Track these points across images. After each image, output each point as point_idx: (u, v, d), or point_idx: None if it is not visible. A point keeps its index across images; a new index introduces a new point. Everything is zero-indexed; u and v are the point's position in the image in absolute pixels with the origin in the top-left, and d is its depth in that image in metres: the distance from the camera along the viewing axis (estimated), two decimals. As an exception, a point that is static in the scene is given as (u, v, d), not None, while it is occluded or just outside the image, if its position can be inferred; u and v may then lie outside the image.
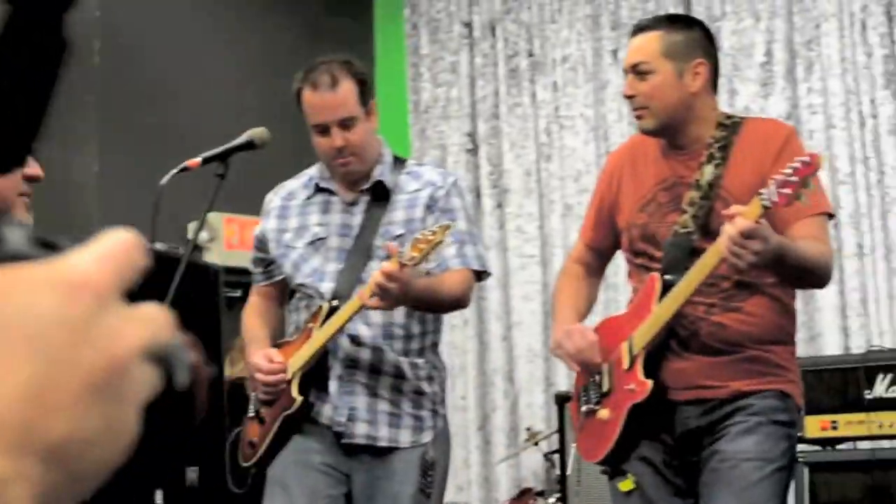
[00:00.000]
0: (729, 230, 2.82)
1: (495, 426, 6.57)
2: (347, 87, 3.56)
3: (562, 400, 5.09)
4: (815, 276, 3.09)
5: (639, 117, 3.21)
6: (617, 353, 3.24)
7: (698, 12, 6.32)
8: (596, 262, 3.53)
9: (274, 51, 6.54)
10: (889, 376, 4.73)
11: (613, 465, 3.26)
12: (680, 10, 6.35)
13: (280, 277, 3.69)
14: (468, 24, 7.05)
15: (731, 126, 3.22)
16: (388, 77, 7.19)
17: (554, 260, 6.50)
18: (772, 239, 2.84)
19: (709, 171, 3.15)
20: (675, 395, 3.15)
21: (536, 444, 5.69)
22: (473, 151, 6.93)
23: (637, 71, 3.19)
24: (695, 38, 3.25)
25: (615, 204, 3.34)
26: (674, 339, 3.16)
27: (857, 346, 5.52)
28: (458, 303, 3.62)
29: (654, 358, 3.16)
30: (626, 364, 3.19)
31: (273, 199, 3.80)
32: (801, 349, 5.51)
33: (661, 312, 3.12)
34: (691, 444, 3.16)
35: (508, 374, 6.57)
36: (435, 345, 3.70)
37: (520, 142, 6.80)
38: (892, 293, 5.59)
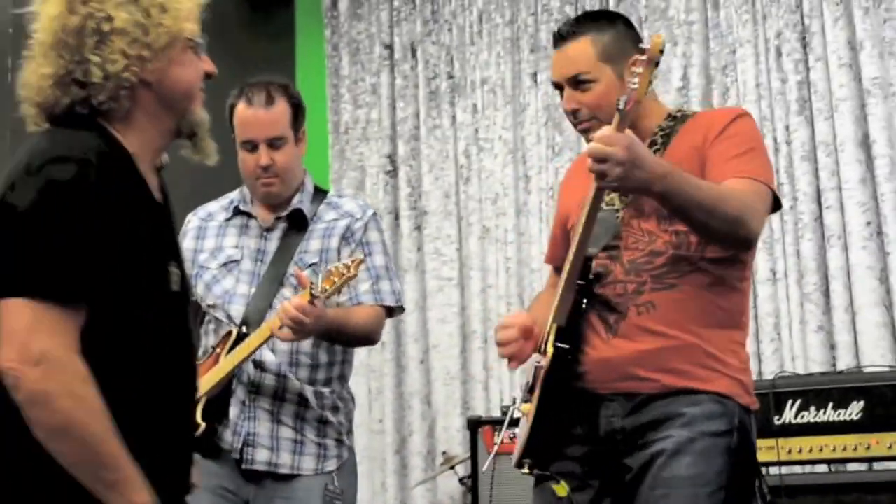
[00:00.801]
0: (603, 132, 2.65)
1: (412, 450, 6.52)
2: (282, 108, 3.56)
3: (474, 425, 5.06)
4: (716, 218, 2.75)
5: (587, 130, 2.99)
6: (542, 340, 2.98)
7: (617, 36, 6.33)
8: None
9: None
10: (798, 402, 4.74)
11: (537, 461, 2.95)
12: (599, 34, 6.35)
13: (192, 298, 3.65)
14: (389, 46, 7.02)
15: (681, 118, 3.06)
16: (308, 98, 6.92)
17: (471, 283, 6.48)
18: (653, 165, 2.67)
19: None
20: (599, 388, 2.89)
21: (453, 468, 5.64)
22: (393, 173, 6.89)
23: (577, 82, 3.00)
24: (621, 32, 3.08)
25: (566, 219, 3.16)
26: (599, 323, 2.90)
27: (770, 372, 5.52)
28: (368, 338, 3.61)
29: (570, 333, 2.90)
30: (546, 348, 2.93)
31: (192, 220, 3.78)
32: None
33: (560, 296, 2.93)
34: (617, 448, 2.89)
35: (426, 397, 6.53)
36: (343, 377, 3.67)
37: (439, 164, 6.77)
38: (804, 319, 5.60)
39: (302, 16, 7.40)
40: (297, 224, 3.64)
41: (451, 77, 6.84)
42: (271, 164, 3.55)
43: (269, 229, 3.65)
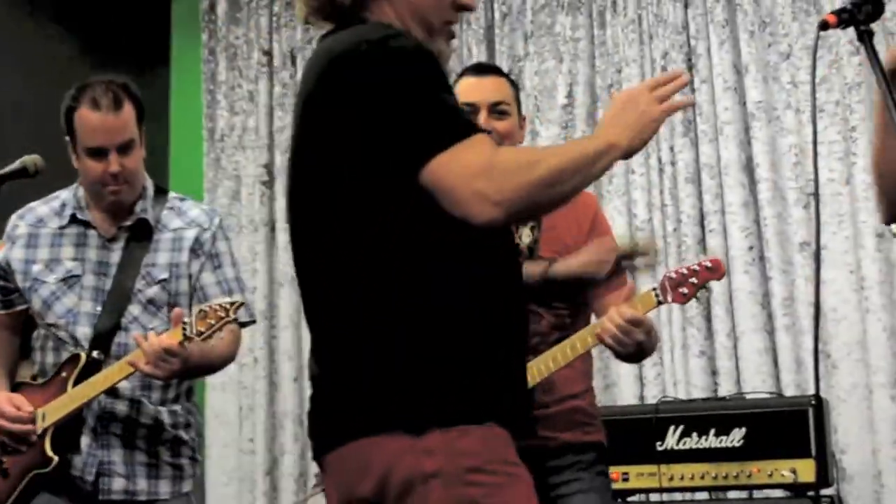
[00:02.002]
0: (615, 317, 2.98)
1: (284, 471, 6.30)
2: (129, 110, 3.36)
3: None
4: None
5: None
6: None
7: (501, 52, 6.25)
8: None
9: (69, 74, 6.17)
10: (680, 428, 4.70)
11: None
12: (482, 49, 6.26)
13: (21, 307, 3.42)
14: (268, 53, 6.80)
15: None
16: (183, 103, 6.89)
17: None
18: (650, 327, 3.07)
19: (526, 235, 3.25)
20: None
21: (324, 490, 5.46)
22: (269, 184, 6.66)
23: (497, 110, 3.30)
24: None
25: None
26: None
27: (653, 396, 5.47)
28: (228, 362, 3.49)
29: None
30: None
31: (19, 225, 3.50)
32: (598, 398, 5.51)
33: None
34: None
35: (299, 417, 6.31)
36: (191, 390, 3.54)
37: (317, 176, 6.57)
38: (686, 343, 5.55)
39: (178, 17, 7.13)
40: (141, 234, 3.45)
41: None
42: (121, 171, 3.34)
43: (112, 239, 3.44)
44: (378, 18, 2.25)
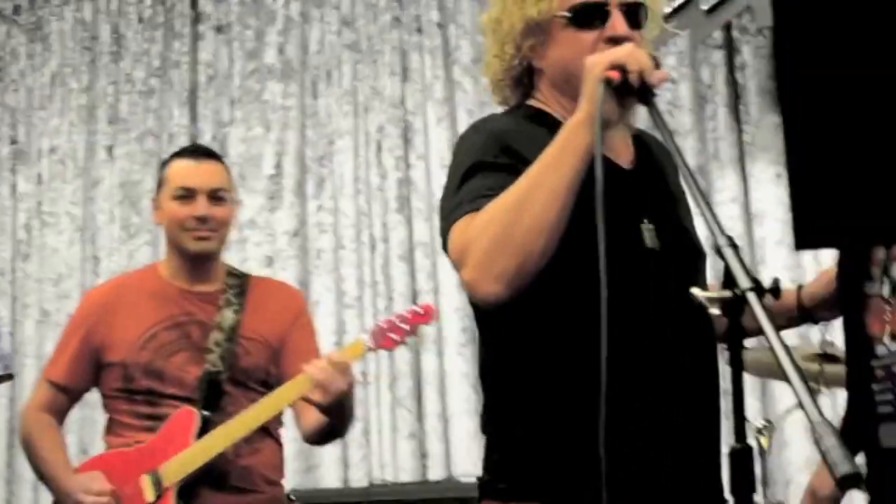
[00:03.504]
0: (322, 362, 2.90)
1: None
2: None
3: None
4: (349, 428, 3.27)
5: (205, 238, 3.23)
6: (133, 486, 3.12)
7: (205, 116, 5.94)
8: (67, 406, 3.36)
9: None
10: (393, 512, 4.48)
11: None
12: (185, 112, 5.91)
13: None
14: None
15: (240, 276, 3.37)
16: None
17: (24, 371, 5.69)
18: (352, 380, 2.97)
19: (229, 316, 3.22)
20: None
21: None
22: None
23: (217, 196, 3.25)
24: None
25: (106, 342, 3.25)
26: (206, 476, 3.10)
27: (357, 479, 5.21)
28: None
29: (186, 493, 3.09)
30: (150, 497, 3.09)
31: None
32: (298, 480, 5.18)
33: (205, 447, 3.07)
34: None
35: None
36: None
37: (-5, 236, 6.00)
38: (395, 424, 5.33)
39: None
40: None
41: (14, 142, 6.11)
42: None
43: None
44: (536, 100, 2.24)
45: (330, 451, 5.29)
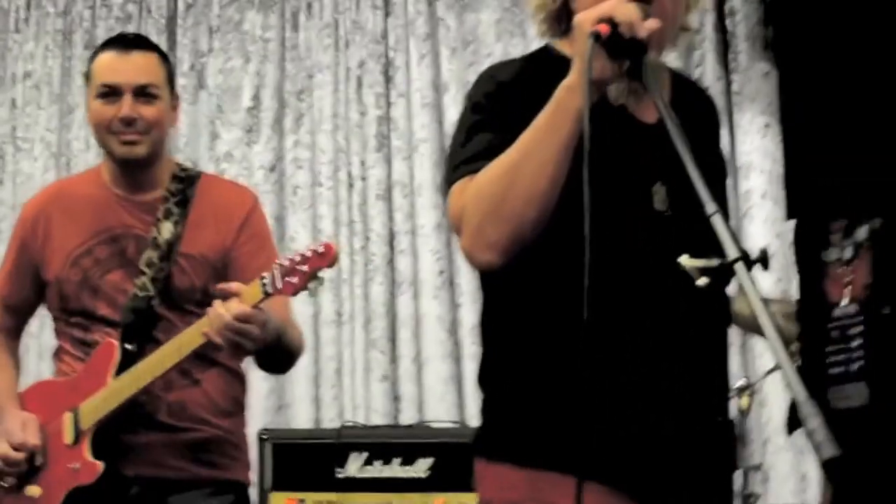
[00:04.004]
0: (223, 315, 2.59)
1: None
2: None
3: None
4: (290, 364, 3.00)
5: (133, 143, 2.89)
6: (56, 424, 2.90)
7: (184, 45, 5.82)
8: (15, 323, 3.15)
9: None
10: (364, 455, 4.45)
11: None
12: (163, 41, 5.78)
13: None
14: None
15: (187, 179, 3.03)
16: None
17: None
18: (270, 325, 2.68)
19: (167, 230, 2.92)
20: (130, 473, 2.86)
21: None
22: None
23: (145, 93, 2.90)
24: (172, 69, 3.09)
25: (41, 256, 3.00)
26: (130, 415, 2.84)
27: (329, 419, 5.17)
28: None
29: (106, 435, 2.83)
30: (68, 439, 2.86)
31: None
32: (269, 419, 5.14)
33: (120, 387, 2.80)
34: None
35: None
36: None
37: (-33, 163, 5.89)
38: (368, 366, 5.28)
39: None
40: None
41: (-13, 66, 5.99)
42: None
43: None
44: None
45: (302, 390, 5.25)
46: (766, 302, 1.56)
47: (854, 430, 2.40)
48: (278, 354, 2.88)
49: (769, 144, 4.85)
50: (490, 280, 2.12)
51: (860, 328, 2.24)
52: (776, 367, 2.19)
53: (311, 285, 2.58)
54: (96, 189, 3.00)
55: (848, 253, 2.42)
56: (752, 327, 3.66)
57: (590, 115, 1.78)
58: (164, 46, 5.74)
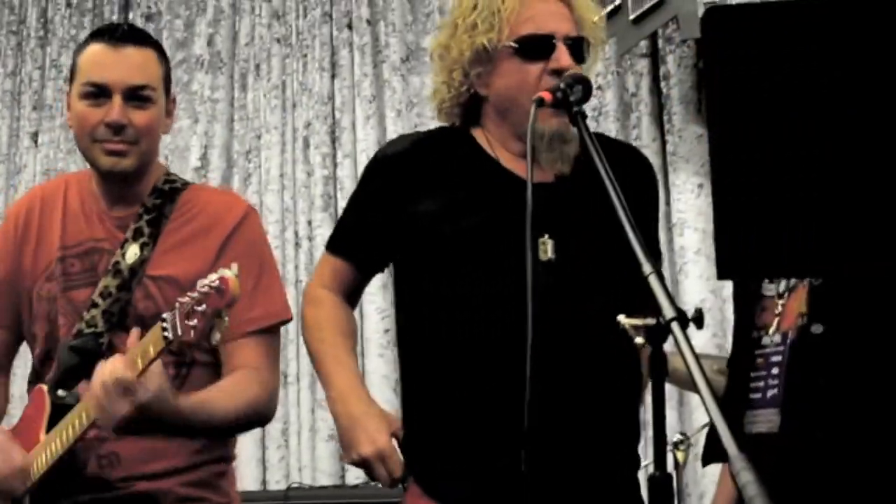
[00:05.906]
0: (103, 376, 2.21)
1: None
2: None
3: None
4: (240, 428, 2.62)
5: (119, 153, 2.47)
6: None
7: (132, 105, 5.82)
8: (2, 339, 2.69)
9: None
10: (308, 516, 4.45)
11: None
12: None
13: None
14: None
15: (168, 193, 2.57)
16: None
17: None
18: (159, 400, 2.24)
19: (132, 253, 2.50)
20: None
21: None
22: None
23: (138, 96, 2.47)
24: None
25: (16, 267, 2.60)
26: (63, 472, 2.43)
27: (276, 481, 5.17)
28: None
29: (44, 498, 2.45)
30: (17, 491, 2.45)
31: None
32: (215, 481, 5.12)
33: (48, 447, 2.40)
34: None
35: None
36: None
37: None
38: (314, 426, 5.29)
39: None
40: None
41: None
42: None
43: None
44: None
45: (248, 451, 5.25)
46: (699, 359, 1.61)
47: (764, 454, 2.44)
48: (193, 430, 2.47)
49: (702, 204, 4.93)
50: (399, 336, 2.51)
51: (780, 357, 2.29)
52: (710, 423, 2.24)
53: (214, 325, 2.14)
54: (81, 194, 2.63)
55: (785, 286, 2.47)
56: (688, 384, 3.72)
57: (480, 180, 2.32)
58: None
